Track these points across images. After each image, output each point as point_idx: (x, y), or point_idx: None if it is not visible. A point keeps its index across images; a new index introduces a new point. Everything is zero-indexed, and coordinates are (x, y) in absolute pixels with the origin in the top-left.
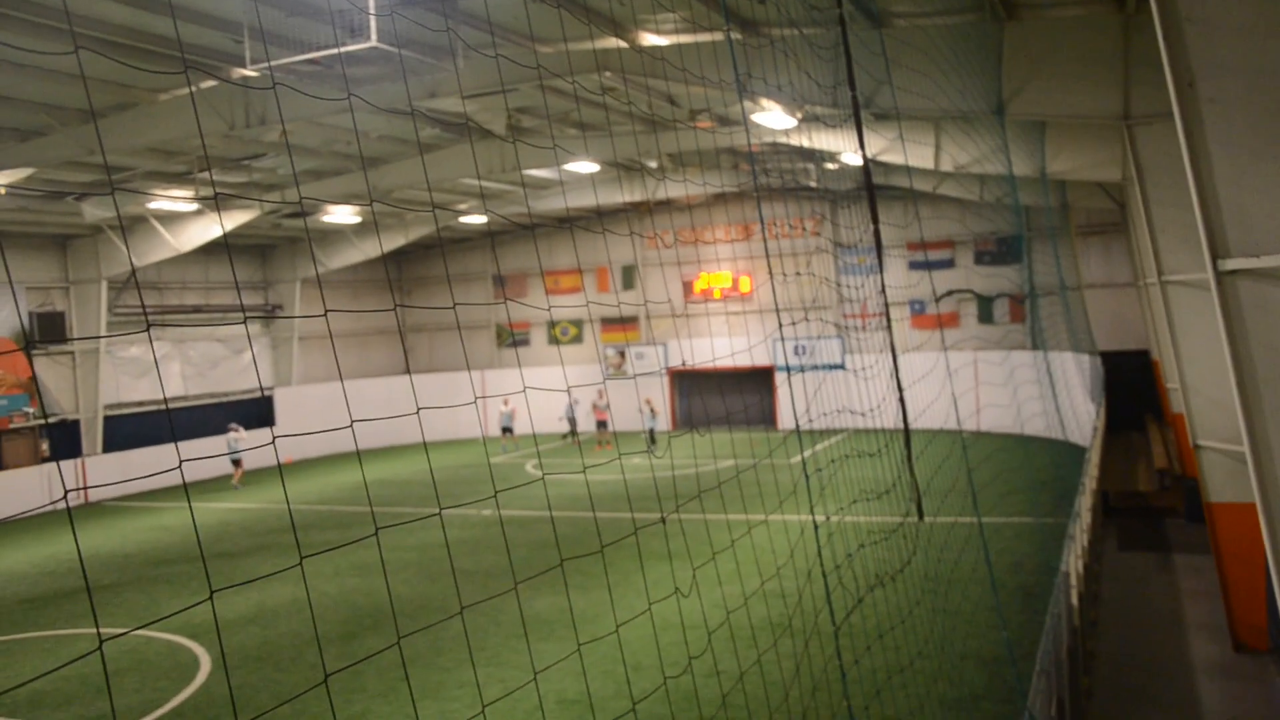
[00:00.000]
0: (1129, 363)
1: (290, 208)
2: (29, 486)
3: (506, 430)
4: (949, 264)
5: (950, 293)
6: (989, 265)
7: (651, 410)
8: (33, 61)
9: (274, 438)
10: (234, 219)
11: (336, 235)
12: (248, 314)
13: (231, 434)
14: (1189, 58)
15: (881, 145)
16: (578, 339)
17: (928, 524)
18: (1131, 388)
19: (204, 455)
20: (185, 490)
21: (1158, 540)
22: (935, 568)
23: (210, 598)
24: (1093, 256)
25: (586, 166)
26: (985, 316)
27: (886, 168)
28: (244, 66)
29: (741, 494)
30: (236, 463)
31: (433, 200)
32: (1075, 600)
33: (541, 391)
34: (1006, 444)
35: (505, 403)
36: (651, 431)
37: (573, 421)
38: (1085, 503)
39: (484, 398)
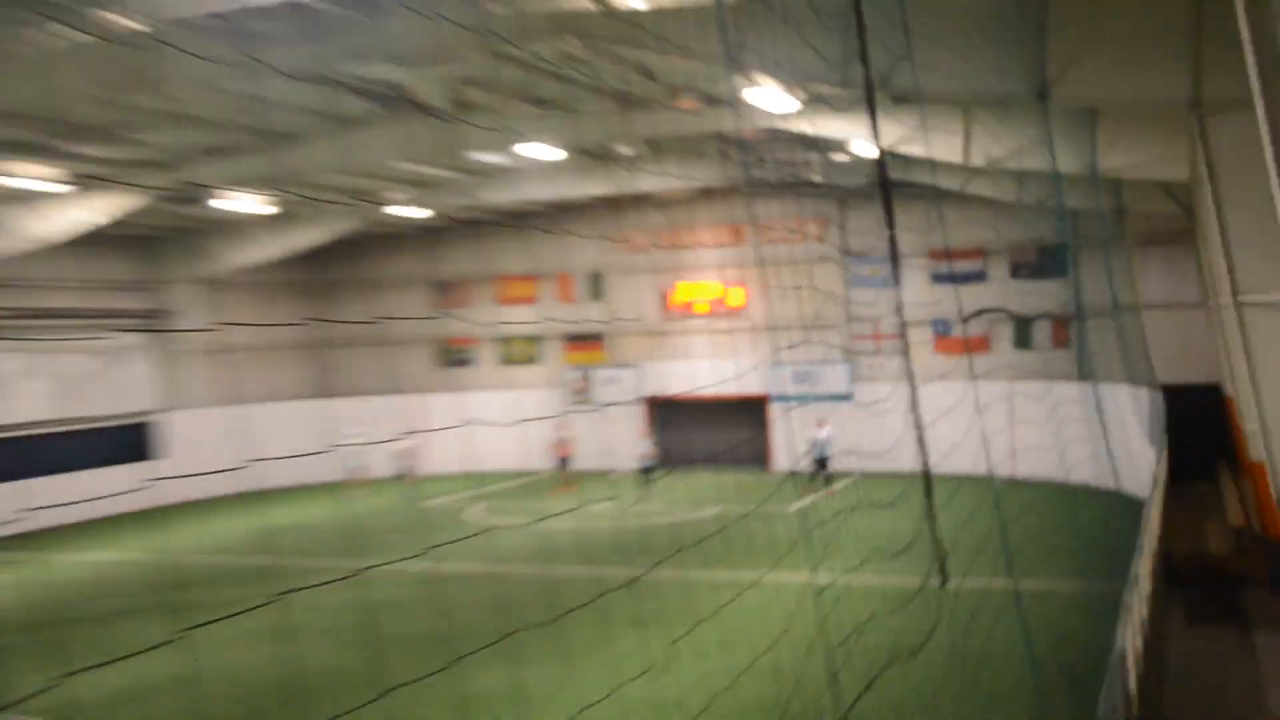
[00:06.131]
0: (1197, 399)
1: (180, 192)
2: None
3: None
4: (979, 277)
5: (981, 312)
6: (1027, 279)
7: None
8: None
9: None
10: (112, 204)
11: (245, 226)
12: (124, 321)
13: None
14: (1278, 33)
15: (900, 134)
16: (534, 359)
17: (953, 589)
18: (1200, 429)
19: (70, 501)
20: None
21: (1234, 614)
22: (963, 642)
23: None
24: (1153, 271)
25: (547, 152)
26: (1023, 340)
27: (905, 161)
28: (125, 16)
29: (730, 548)
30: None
31: (366, 188)
32: (1133, 685)
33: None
34: (1048, 494)
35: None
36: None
37: (821, 461)
38: (1145, 567)
39: (421, 431)
